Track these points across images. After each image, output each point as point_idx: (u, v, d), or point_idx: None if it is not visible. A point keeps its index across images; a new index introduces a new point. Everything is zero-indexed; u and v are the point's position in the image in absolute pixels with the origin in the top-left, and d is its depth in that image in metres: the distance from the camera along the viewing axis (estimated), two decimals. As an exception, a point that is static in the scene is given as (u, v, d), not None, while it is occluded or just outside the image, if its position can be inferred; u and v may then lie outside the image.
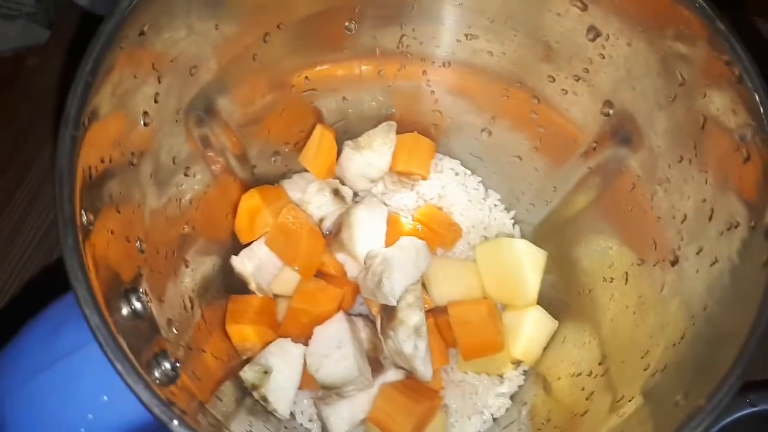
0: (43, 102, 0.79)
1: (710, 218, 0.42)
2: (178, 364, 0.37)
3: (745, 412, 0.60)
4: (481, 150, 0.64)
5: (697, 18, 0.41)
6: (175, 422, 0.30)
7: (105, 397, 0.34)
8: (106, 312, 0.31)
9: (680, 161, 0.45)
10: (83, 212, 0.34)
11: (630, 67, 0.47)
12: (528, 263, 0.59)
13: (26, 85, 0.82)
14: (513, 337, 0.59)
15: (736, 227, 0.40)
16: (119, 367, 0.29)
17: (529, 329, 0.59)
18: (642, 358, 0.44)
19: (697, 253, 0.43)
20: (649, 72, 0.46)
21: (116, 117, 0.39)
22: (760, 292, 0.34)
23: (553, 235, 0.62)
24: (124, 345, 0.30)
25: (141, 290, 0.39)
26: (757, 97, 0.38)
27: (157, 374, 0.35)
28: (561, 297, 0.60)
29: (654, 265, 0.48)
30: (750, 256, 0.37)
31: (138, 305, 0.37)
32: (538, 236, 0.63)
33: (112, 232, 0.38)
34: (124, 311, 0.36)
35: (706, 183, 0.43)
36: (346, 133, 0.63)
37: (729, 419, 0.59)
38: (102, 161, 0.38)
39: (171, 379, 0.36)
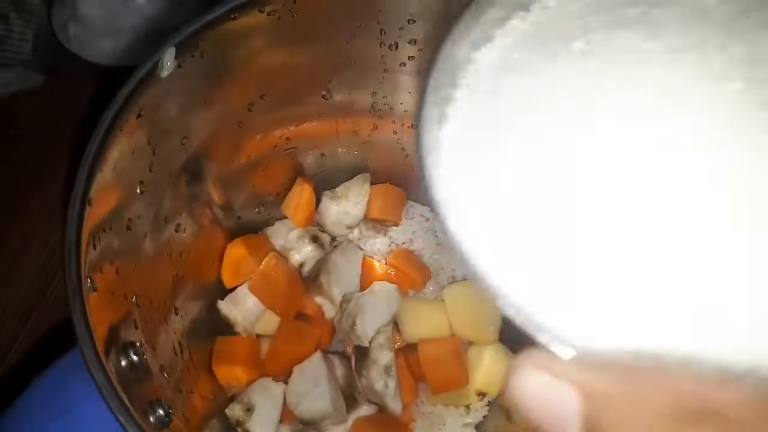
0: (38, 144, 0.83)
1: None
2: (171, 410, 0.42)
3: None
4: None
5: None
6: (169, 465, 0.35)
7: (107, 442, 0.39)
8: (109, 369, 0.36)
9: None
10: (89, 280, 0.39)
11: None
12: (490, 304, 0.64)
13: (23, 127, 0.86)
14: (476, 371, 0.65)
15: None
16: (121, 419, 0.35)
17: (489, 363, 0.64)
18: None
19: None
20: None
21: (116, 190, 0.45)
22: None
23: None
24: (125, 398, 0.35)
25: (137, 343, 0.44)
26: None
27: (152, 420, 0.40)
28: (521, 333, 0.65)
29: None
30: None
31: (135, 357, 0.42)
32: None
33: (112, 293, 0.43)
34: (123, 363, 0.41)
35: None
36: (325, 183, 0.68)
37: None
38: (104, 230, 0.43)
39: (165, 423, 0.41)
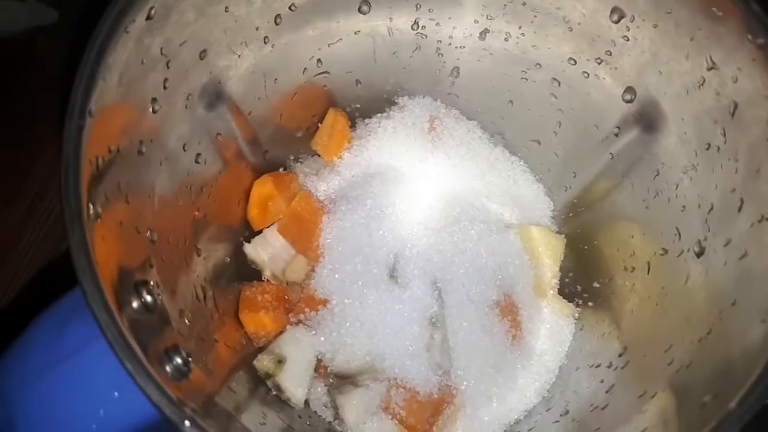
0: (55, 85, 0.77)
1: (740, 209, 0.41)
2: (190, 358, 0.37)
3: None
4: (498, 133, 0.62)
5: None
6: (187, 423, 0.29)
7: (116, 393, 0.34)
8: (115, 308, 0.30)
9: (708, 148, 0.44)
10: (91, 204, 0.33)
11: (656, 50, 0.46)
12: (545, 251, 0.58)
13: (39, 67, 0.80)
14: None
15: (767, 220, 0.38)
16: (129, 366, 0.29)
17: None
18: (665, 351, 0.43)
19: (725, 245, 0.41)
20: (677, 55, 0.44)
21: (124, 105, 0.38)
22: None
23: (572, 221, 0.60)
24: (134, 343, 0.30)
25: (152, 282, 0.38)
26: (792, 83, 0.36)
27: (168, 369, 0.35)
28: (580, 284, 0.59)
29: (678, 256, 0.46)
30: (782, 250, 0.36)
31: (148, 298, 0.37)
32: (557, 222, 0.62)
33: (121, 224, 0.37)
34: (135, 304, 0.36)
35: (736, 172, 0.41)
36: (360, 115, 0.61)
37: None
38: (110, 151, 0.37)
39: (183, 373, 0.36)
